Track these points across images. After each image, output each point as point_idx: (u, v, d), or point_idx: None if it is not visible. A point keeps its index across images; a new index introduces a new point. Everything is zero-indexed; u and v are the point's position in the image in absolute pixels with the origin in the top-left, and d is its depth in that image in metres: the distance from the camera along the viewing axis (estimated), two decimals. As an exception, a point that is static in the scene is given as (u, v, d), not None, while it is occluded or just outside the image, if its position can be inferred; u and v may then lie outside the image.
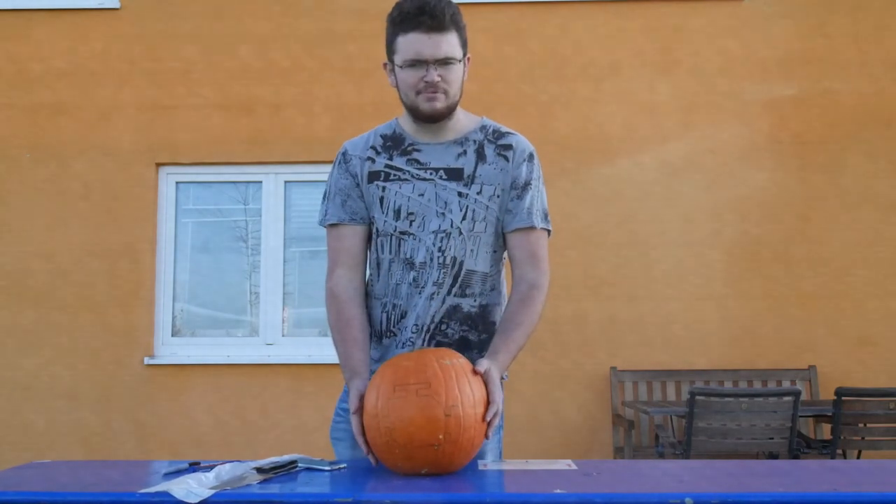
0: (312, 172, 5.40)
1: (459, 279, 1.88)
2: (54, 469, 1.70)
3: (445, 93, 1.83)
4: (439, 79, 1.81)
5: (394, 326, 1.91)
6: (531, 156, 1.93)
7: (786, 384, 5.08)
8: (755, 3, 5.44)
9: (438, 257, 1.87)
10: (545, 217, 1.93)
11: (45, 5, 5.49)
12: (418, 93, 1.83)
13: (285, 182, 5.46)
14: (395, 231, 1.89)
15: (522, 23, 5.45)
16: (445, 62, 1.81)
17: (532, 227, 1.89)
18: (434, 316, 1.88)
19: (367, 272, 1.99)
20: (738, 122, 5.35)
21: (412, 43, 1.80)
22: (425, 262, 1.88)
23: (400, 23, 1.81)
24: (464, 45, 1.85)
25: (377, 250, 1.94)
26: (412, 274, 1.89)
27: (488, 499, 1.41)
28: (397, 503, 1.40)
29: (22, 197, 5.36)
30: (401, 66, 1.83)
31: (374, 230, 1.94)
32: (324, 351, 5.28)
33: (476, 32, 5.59)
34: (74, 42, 5.48)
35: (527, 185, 1.90)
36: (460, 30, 1.84)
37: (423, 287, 1.88)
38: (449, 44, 1.81)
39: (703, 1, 5.45)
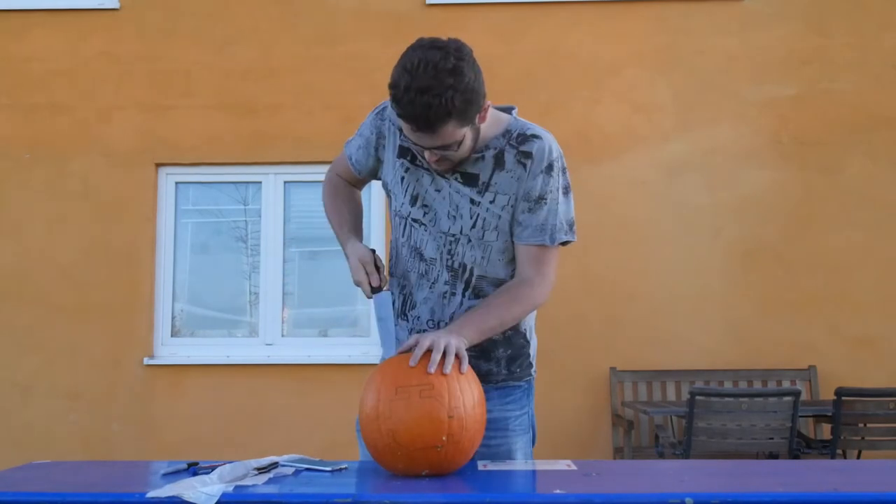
0: (312, 173, 5.39)
1: (472, 285, 1.84)
2: (54, 469, 1.70)
3: (451, 160, 1.75)
4: (438, 156, 1.73)
5: (408, 311, 1.90)
6: (550, 167, 1.79)
7: (786, 384, 5.08)
8: (755, 3, 5.44)
9: (447, 259, 1.84)
10: (569, 229, 1.85)
11: (44, 5, 5.49)
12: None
13: (285, 182, 5.45)
14: (408, 216, 1.87)
15: (522, 23, 5.45)
16: (443, 148, 1.69)
17: (542, 245, 1.82)
18: (453, 316, 1.84)
19: (388, 252, 2.00)
20: (738, 122, 5.35)
21: (407, 129, 1.68)
22: (435, 259, 1.85)
23: (394, 105, 1.64)
24: (470, 119, 1.67)
25: (394, 230, 1.94)
26: (422, 265, 1.86)
27: (488, 499, 1.41)
28: (397, 503, 1.40)
29: (22, 197, 5.35)
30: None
31: (392, 208, 1.93)
32: (324, 351, 5.28)
33: (476, 32, 5.61)
34: (74, 42, 5.48)
35: (541, 198, 1.79)
36: (463, 115, 1.63)
37: (433, 283, 1.85)
38: (444, 136, 1.65)
39: (704, 1, 5.45)
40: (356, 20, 5.44)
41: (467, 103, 1.62)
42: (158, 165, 5.43)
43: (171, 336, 5.38)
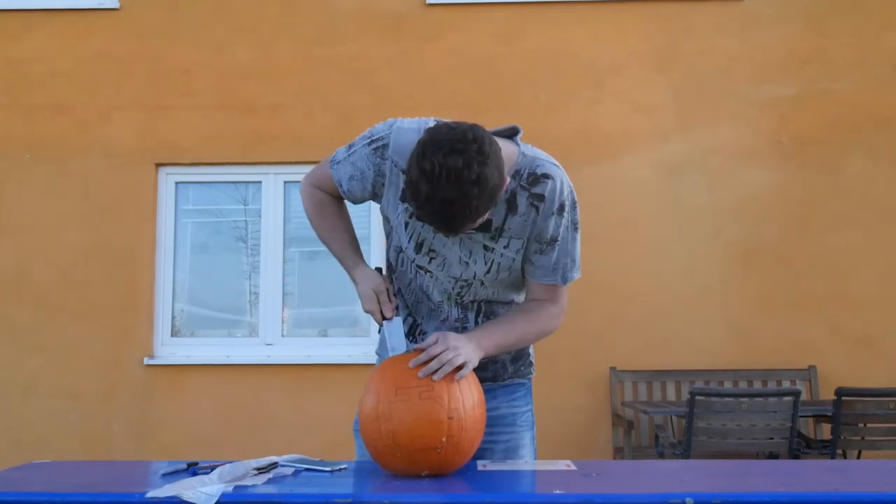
0: (312, 172, 5.39)
1: (483, 311, 1.86)
2: (54, 469, 1.70)
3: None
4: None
5: (417, 336, 1.90)
6: (561, 207, 1.75)
7: (786, 384, 5.08)
8: (755, 3, 5.44)
9: (456, 299, 1.84)
10: (577, 266, 1.83)
11: (44, 5, 5.49)
12: None
13: (285, 182, 5.45)
14: (412, 262, 1.83)
15: (522, 23, 5.44)
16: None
17: (555, 285, 1.82)
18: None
19: (388, 260, 1.93)
20: (738, 122, 5.35)
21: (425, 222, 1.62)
22: (442, 301, 1.85)
23: (413, 206, 1.57)
24: (492, 208, 1.61)
25: (398, 261, 1.87)
26: (429, 304, 1.86)
27: (488, 499, 1.41)
28: (396, 503, 1.40)
29: (22, 197, 5.35)
30: None
31: (393, 243, 1.86)
32: (324, 351, 5.28)
33: (476, 32, 5.61)
34: (74, 42, 5.47)
35: (553, 240, 1.77)
36: (486, 210, 1.57)
37: (444, 319, 1.86)
38: (465, 230, 1.60)
39: (704, 1, 5.45)
40: (356, 20, 5.44)
41: (491, 200, 1.55)
42: (158, 165, 5.42)
43: (171, 336, 5.38)
